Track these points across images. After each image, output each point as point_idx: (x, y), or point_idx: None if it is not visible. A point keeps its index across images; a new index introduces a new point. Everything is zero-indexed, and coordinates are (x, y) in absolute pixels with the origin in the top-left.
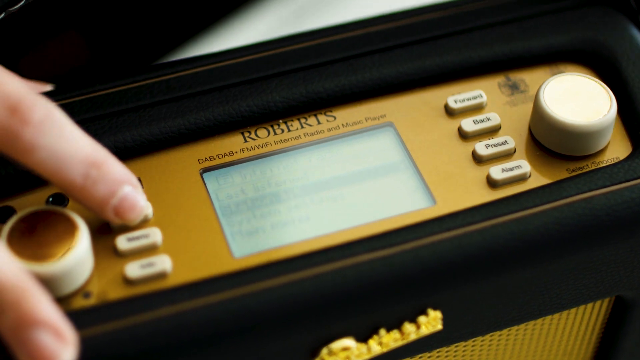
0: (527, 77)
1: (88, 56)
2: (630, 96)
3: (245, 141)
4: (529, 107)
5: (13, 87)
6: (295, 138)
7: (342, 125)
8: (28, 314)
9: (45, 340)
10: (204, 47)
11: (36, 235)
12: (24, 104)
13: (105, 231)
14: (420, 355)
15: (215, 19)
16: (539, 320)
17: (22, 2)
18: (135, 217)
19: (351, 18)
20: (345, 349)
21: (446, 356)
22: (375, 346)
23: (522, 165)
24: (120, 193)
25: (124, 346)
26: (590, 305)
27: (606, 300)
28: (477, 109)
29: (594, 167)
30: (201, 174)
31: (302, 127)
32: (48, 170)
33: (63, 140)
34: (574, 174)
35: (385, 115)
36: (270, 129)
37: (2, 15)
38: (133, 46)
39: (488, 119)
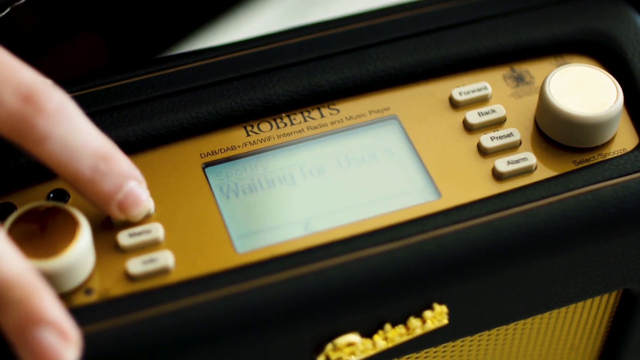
0: (532, 69)
1: (106, 56)
2: (636, 87)
3: (248, 135)
4: (534, 99)
5: (28, 75)
6: (299, 132)
7: (346, 118)
8: (34, 312)
9: (49, 339)
10: (207, 40)
11: (37, 232)
12: (39, 93)
13: (106, 227)
14: (426, 350)
15: (218, 12)
16: (546, 314)
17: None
18: (138, 213)
19: (355, 11)
20: (350, 344)
21: (452, 351)
22: (380, 341)
23: (528, 157)
24: (125, 188)
25: (126, 343)
26: (597, 299)
27: (613, 294)
28: (482, 101)
29: (600, 159)
30: (203, 169)
31: (306, 120)
32: (58, 161)
33: (75, 132)
34: (580, 166)
35: (389, 108)
36: (273, 123)
37: (8, 10)
38: (136, 41)
39: (493, 111)
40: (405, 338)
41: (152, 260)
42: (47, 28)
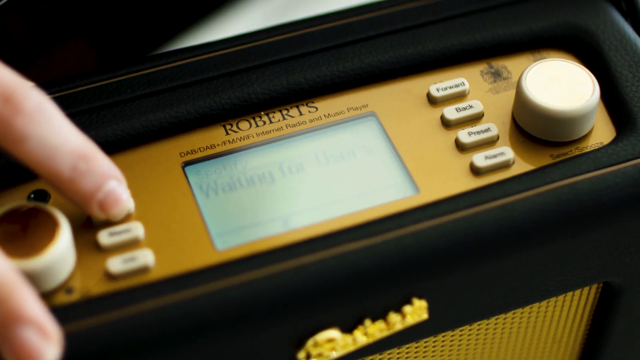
0: (510, 64)
1: (95, 62)
2: (612, 81)
3: (227, 134)
4: (511, 94)
5: (6, 76)
6: (277, 130)
7: (324, 115)
8: (14, 311)
9: (30, 337)
10: (193, 41)
11: (18, 232)
12: (17, 94)
13: (87, 227)
14: (407, 346)
15: (202, 14)
16: (527, 308)
17: (3, 1)
18: (118, 212)
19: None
20: (331, 340)
21: (433, 346)
22: (360, 337)
23: (506, 152)
24: (106, 187)
25: (107, 341)
26: (577, 292)
27: (594, 287)
28: (460, 96)
29: (577, 153)
30: (183, 168)
31: (284, 118)
32: (37, 161)
33: (53, 132)
34: (557, 159)
35: (367, 105)
36: (252, 121)
37: None
38: (124, 45)
39: (471, 107)
40: (385, 333)
41: (132, 259)
42: (37, 35)
